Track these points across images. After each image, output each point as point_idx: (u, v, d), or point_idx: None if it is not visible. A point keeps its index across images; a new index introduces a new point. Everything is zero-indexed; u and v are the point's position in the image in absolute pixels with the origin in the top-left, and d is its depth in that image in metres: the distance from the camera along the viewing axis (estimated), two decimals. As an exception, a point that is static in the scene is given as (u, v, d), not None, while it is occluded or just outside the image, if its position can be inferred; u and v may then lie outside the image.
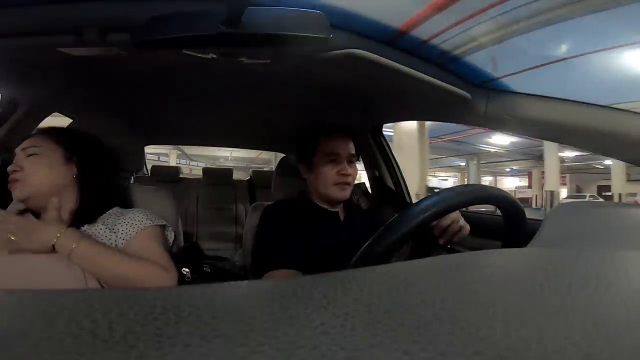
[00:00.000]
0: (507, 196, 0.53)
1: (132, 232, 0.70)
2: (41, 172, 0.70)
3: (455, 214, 0.61)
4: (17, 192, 0.68)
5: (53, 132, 0.76)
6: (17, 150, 0.72)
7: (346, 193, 0.88)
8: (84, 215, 0.72)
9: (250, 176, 2.47)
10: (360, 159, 1.43)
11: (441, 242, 0.65)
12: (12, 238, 0.63)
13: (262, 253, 0.83)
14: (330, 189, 0.87)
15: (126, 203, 0.82)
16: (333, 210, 0.90)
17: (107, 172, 0.80)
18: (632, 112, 0.63)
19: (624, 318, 0.15)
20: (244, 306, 0.16)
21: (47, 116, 1.19)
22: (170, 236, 0.79)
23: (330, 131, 0.90)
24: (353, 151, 0.90)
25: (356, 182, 1.00)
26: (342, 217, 0.91)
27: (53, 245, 0.62)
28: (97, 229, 0.70)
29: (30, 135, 0.77)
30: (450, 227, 0.65)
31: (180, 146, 10.97)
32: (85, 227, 0.70)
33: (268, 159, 12.56)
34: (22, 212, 0.71)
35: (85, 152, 0.77)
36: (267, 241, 0.83)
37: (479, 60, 0.78)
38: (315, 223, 0.85)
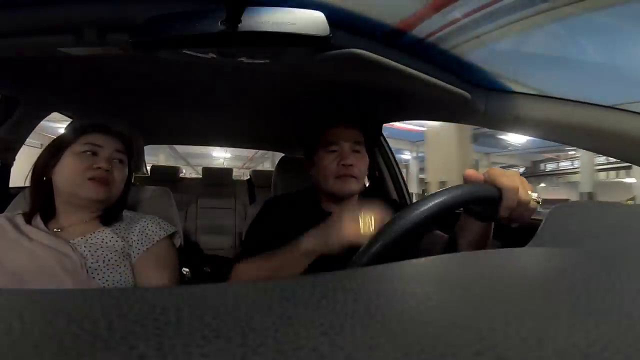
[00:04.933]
0: None
1: (146, 245, 0.70)
2: (121, 184, 0.72)
3: (526, 196, 0.46)
4: (104, 193, 0.67)
5: (128, 143, 0.76)
6: (108, 147, 0.70)
7: (351, 186, 0.77)
8: (111, 217, 0.72)
9: (250, 176, 2.47)
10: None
11: (504, 221, 0.51)
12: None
13: (251, 238, 0.79)
14: (332, 183, 0.77)
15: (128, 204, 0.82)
16: (328, 211, 0.82)
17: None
18: (632, 112, 0.63)
19: (624, 318, 0.15)
20: (243, 306, 0.16)
21: (47, 116, 1.19)
22: (177, 242, 0.79)
23: (332, 121, 0.81)
24: (359, 139, 0.80)
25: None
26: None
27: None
28: (106, 234, 0.69)
29: (110, 131, 0.73)
30: (518, 210, 0.48)
31: (174, 146, 10.87)
32: (95, 235, 0.68)
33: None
34: (29, 215, 0.69)
35: (132, 166, 0.78)
36: (251, 232, 0.79)
37: (479, 59, 0.78)
38: (311, 223, 0.76)
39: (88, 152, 0.68)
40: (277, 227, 0.75)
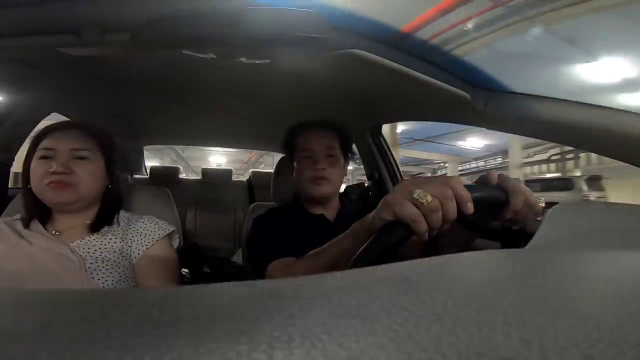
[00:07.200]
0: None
1: (145, 245, 0.70)
2: (91, 180, 0.68)
3: (534, 199, 0.46)
4: (66, 196, 0.65)
5: (99, 136, 0.73)
6: (62, 149, 0.67)
7: (322, 189, 0.83)
8: (103, 220, 0.71)
9: (250, 177, 2.47)
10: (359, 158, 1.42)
11: (507, 223, 0.50)
12: None
13: (259, 250, 0.80)
14: (306, 186, 0.83)
15: (126, 204, 0.82)
16: (318, 213, 0.86)
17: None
18: (632, 112, 0.63)
19: (625, 318, 0.15)
20: (243, 306, 0.16)
21: (46, 116, 1.19)
22: (176, 242, 0.79)
23: (306, 127, 0.87)
24: (332, 144, 0.85)
25: (355, 182, 0.97)
26: (332, 219, 0.86)
27: None
28: (104, 236, 0.69)
29: (67, 125, 0.71)
30: (524, 212, 0.48)
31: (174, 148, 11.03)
32: (94, 237, 0.68)
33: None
34: (27, 219, 0.69)
35: (116, 163, 0.76)
36: (262, 239, 0.80)
37: (479, 60, 0.78)
38: (304, 227, 0.81)
39: (44, 158, 0.66)
40: (284, 232, 0.77)
